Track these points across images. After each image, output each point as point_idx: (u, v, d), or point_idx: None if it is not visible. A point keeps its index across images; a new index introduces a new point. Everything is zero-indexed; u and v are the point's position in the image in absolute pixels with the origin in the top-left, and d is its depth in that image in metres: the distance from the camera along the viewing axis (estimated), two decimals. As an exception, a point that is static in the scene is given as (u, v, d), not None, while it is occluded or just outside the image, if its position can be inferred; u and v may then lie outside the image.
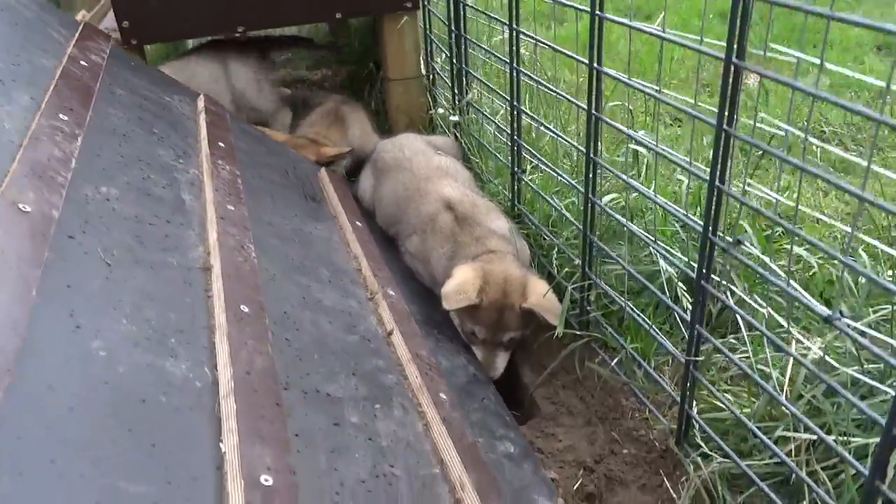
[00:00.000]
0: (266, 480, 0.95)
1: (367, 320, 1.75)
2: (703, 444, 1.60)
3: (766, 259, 1.36)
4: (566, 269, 2.07)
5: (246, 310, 1.31)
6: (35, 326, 0.95)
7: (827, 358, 1.35)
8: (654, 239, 1.62)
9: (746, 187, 1.34)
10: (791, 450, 1.53)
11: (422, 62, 2.99)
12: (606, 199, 1.94)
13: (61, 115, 1.50)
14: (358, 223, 2.25)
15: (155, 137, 1.84)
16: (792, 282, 1.25)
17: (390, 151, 2.58)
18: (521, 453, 1.68)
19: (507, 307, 1.95)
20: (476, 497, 1.29)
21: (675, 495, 1.61)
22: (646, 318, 1.78)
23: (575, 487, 1.68)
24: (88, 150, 1.49)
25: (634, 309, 1.82)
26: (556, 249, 2.16)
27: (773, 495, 1.42)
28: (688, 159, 1.47)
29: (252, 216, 1.74)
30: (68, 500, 0.78)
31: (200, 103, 2.27)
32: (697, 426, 1.63)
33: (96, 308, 1.09)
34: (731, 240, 1.39)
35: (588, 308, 1.99)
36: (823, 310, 1.19)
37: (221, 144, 2.03)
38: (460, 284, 1.93)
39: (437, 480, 1.33)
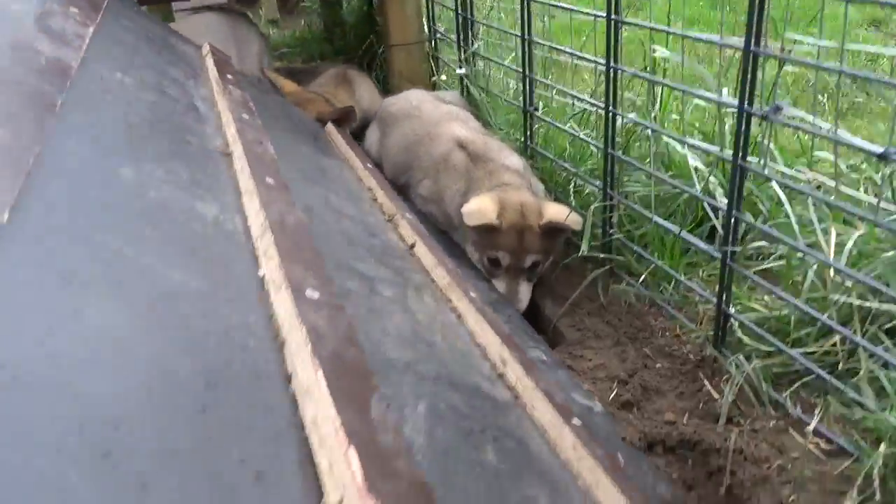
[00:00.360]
0: (312, 294, 0.88)
1: (388, 235, 1.69)
2: (744, 338, 1.54)
3: (809, 116, 1.32)
4: (587, 193, 2.03)
5: (271, 181, 1.25)
6: (56, 138, 0.89)
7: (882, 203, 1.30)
8: (683, 136, 1.57)
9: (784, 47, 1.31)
10: (836, 341, 1.48)
11: (424, 28, 2.98)
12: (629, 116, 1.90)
13: (72, 8, 1.45)
14: (369, 165, 2.20)
15: (163, 59, 1.79)
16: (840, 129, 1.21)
17: (396, 104, 2.55)
18: (553, 362, 1.61)
19: (527, 228, 1.89)
20: (521, 370, 1.22)
21: (717, 396, 1.54)
22: (674, 226, 1.73)
23: (611, 397, 1.61)
24: (100, 43, 1.44)
25: (662, 220, 1.77)
26: (574, 184, 2.12)
27: (828, 377, 1.36)
28: (718, 36, 1.44)
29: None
30: (104, 273, 0.71)
31: (206, 48, 2.23)
32: (737, 324, 1.57)
33: (121, 144, 1.02)
34: (769, 108, 1.35)
35: (610, 231, 1.94)
36: (875, 148, 1.15)
37: (230, 76, 1.98)
38: (479, 205, 1.88)
39: (477, 357, 1.26)
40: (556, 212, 1.88)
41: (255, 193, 1.15)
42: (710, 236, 1.91)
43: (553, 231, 1.88)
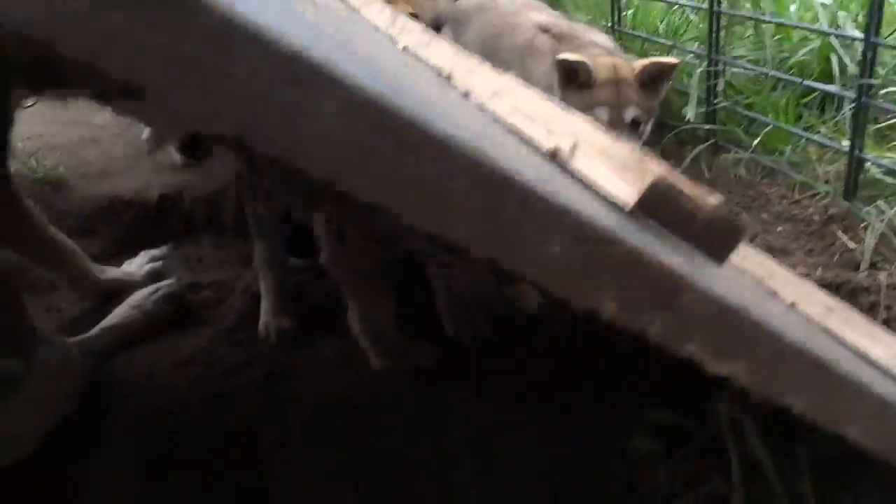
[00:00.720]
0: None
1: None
2: (885, 179, 1.43)
3: None
4: (686, 67, 1.91)
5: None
6: None
7: None
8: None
9: None
10: None
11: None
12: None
13: None
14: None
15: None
16: None
17: (467, 1, 2.46)
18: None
19: (622, 81, 1.76)
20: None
21: (853, 246, 1.43)
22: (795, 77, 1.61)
23: (733, 256, 1.51)
24: None
25: (779, 73, 1.65)
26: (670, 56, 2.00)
27: None
28: None
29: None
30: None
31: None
32: (873, 170, 1.46)
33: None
34: None
35: (715, 101, 1.82)
36: None
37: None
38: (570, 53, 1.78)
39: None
40: (650, 60, 1.76)
41: (371, 3, 1.08)
42: (823, 105, 1.79)
43: (651, 83, 1.75)
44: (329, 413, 1.25)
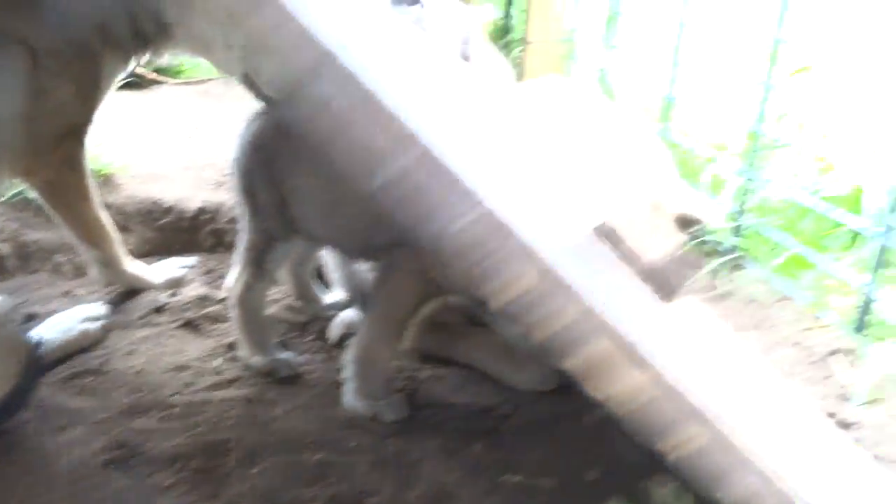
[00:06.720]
0: None
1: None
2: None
3: None
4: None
5: None
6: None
7: None
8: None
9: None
10: None
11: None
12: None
13: None
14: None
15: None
16: None
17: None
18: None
19: None
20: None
21: (850, 381, 1.41)
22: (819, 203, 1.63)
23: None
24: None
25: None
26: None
27: None
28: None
29: None
30: None
31: None
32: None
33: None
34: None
35: (743, 217, 1.85)
36: None
37: None
38: None
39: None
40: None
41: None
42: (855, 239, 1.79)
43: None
44: (297, 447, 1.26)
